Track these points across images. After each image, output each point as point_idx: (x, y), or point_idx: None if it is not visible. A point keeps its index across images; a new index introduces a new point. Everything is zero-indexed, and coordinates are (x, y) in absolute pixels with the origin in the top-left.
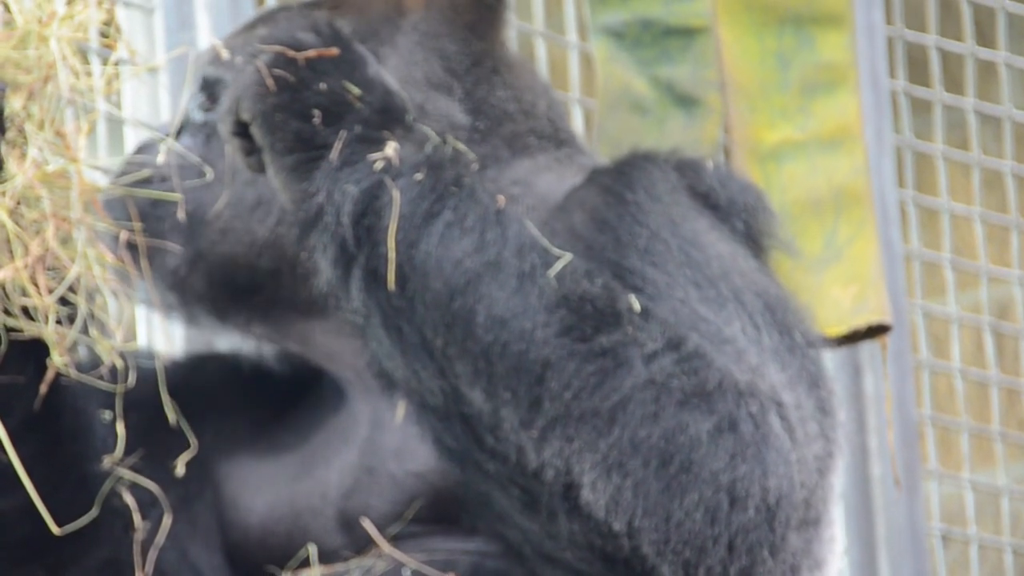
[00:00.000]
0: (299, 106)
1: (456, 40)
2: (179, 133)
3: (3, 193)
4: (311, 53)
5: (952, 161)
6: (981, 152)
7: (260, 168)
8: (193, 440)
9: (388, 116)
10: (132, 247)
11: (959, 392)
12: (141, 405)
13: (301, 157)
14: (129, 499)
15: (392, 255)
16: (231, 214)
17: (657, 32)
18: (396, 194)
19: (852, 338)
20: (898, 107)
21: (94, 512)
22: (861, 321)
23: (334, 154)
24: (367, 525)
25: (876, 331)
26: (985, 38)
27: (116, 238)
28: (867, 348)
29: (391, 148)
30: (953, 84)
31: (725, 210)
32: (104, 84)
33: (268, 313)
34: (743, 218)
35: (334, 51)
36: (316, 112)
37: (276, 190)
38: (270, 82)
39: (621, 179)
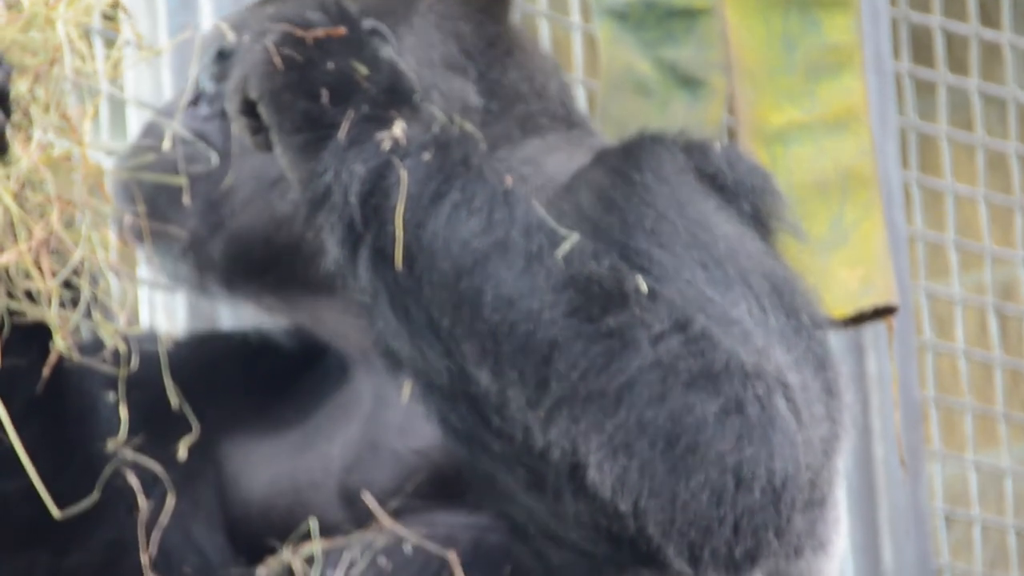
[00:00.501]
0: (306, 86)
1: (471, 21)
2: (195, 103)
3: (8, 176)
4: (319, 32)
5: (956, 142)
6: (985, 133)
7: (267, 146)
8: (195, 424)
9: (396, 96)
10: (150, 217)
11: (963, 373)
12: (144, 384)
13: (308, 137)
14: (133, 480)
15: (400, 235)
16: (252, 188)
17: (660, 13)
18: (404, 174)
19: (859, 320)
20: (902, 88)
21: (95, 496)
22: (868, 303)
23: (341, 134)
24: (368, 500)
25: (883, 313)
26: (989, 19)
27: (121, 220)
28: (870, 329)
29: (399, 128)
30: (957, 65)
31: (732, 192)
32: (110, 68)
33: (280, 287)
34: (750, 200)
35: (342, 30)
36: (324, 92)
37: (284, 168)
38: (277, 61)
39: (629, 160)
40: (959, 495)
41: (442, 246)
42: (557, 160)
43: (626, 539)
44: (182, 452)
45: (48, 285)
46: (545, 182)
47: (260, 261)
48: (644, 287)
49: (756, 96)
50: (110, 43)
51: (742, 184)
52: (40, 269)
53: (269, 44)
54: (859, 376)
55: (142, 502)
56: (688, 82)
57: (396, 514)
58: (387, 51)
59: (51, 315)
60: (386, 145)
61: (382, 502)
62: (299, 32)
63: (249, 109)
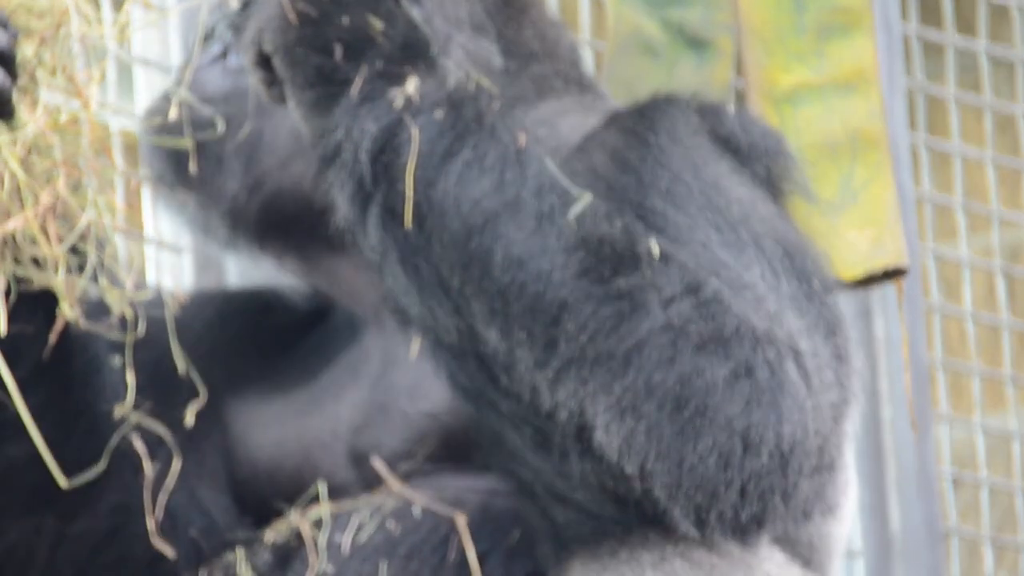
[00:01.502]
0: (320, 41)
1: None
2: (224, 56)
3: (15, 142)
4: None
5: (964, 104)
6: (993, 95)
7: (281, 99)
8: (202, 389)
9: (410, 51)
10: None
11: (970, 336)
12: (151, 344)
13: (321, 92)
14: (139, 445)
15: (410, 193)
16: (294, 145)
17: None
18: (415, 132)
19: (868, 281)
20: (910, 50)
21: (102, 465)
22: (878, 264)
23: (354, 90)
24: (377, 464)
25: (893, 274)
26: None
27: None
28: (878, 292)
29: (412, 85)
30: (965, 27)
31: (746, 154)
32: (117, 30)
33: (304, 246)
34: (764, 163)
35: None
36: (337, 47)
37: (297, 122)
38: (292, 15)
39: (643, 121)
40: (967, 458)
41: (452, 205)
42: (571, 122)
43: (632, 501)
44: (189, 418)
45: (55, 251)
46: (559, 144)
47: (292, 218)
48: (656, 250)
49: (765, 57)
50: (118, 5)
51: (756, 147)
52: (47, 235)
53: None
54: (867, 339)
55: (148, 467)
56: (695, 43)
57: (405, 477)
58: (403, 6)
59: (57, 281)
60: (398, 102)
61: (391, 464)
62: None
63: (264, 62)
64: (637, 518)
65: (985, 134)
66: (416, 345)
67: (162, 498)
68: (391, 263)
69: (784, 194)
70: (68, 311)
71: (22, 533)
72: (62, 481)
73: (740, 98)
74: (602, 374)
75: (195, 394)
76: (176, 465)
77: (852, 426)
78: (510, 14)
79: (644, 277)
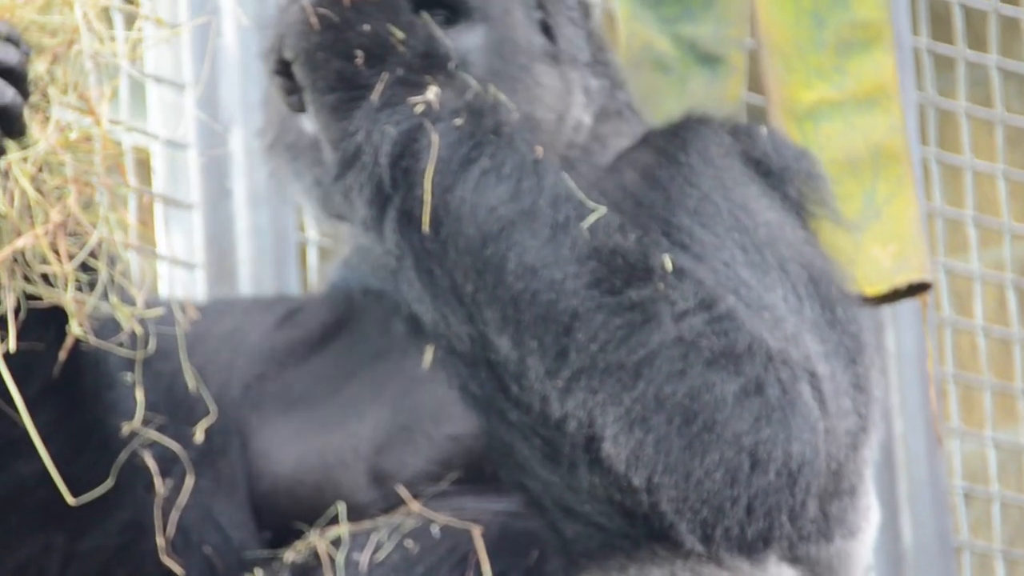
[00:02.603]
0: (342, 46)
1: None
2: None
3: (26, 159)
4: None
5: (975, 118)
6: (1004, 109)
7: (300, 107)
8: (213, 405)
9: (430, 61)
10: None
11: (982, 349)
12: (168, 357)
13: (342, 96)
14: (150, 461)
15: (428, 198)
16: None
17: None
18: (435, 137)
19: (892, 297)
20: (921, 64)
21: (110, 482)
22: (902, 280)
23: (375, 95)
24: (400, 489)
25: (916, 289)
26: None
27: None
28: (890, 305)
29: (432, 92)
30: (976, 41)
31: (778, 177)
32: (129, 48)
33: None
34: (796, 185)
35: None
36: (359, 53)
37: (317, 128)
38: (314, 21)
39: (675, 141)
40: (978, 472)
41: (469, 211)
42: (619, 145)
43: (640, 514)
44: (199, 435)
45: (64, 269)
46: (603, 161)
47: None
48: (669, 264)
49: (786, 74)
50: (130, 22)
51: (788, 169)
52: (56, 252)
53: (306, 3)
54: (879, 353)
55: (159, 484)
56: (707, 59)
57: (425, 498)
58: (423, 17)
59: (67, 299)
60: (419, 108)
61: (412, 486)
62: None
63: (284, 69)
64: (645, 533)
65: (996, 148)
66: (429, 354)
67: (174, 515)
68: (406, 268)
69: (815, 217)
70: (77, 329)
71: (33, 550)
72: (70, 498)
73: (759, 115)
74: (612, 385)
75: (215, 403)
76: (189, 482)
77: (872, 453)
78: (603, 55)
79: (656, 290)
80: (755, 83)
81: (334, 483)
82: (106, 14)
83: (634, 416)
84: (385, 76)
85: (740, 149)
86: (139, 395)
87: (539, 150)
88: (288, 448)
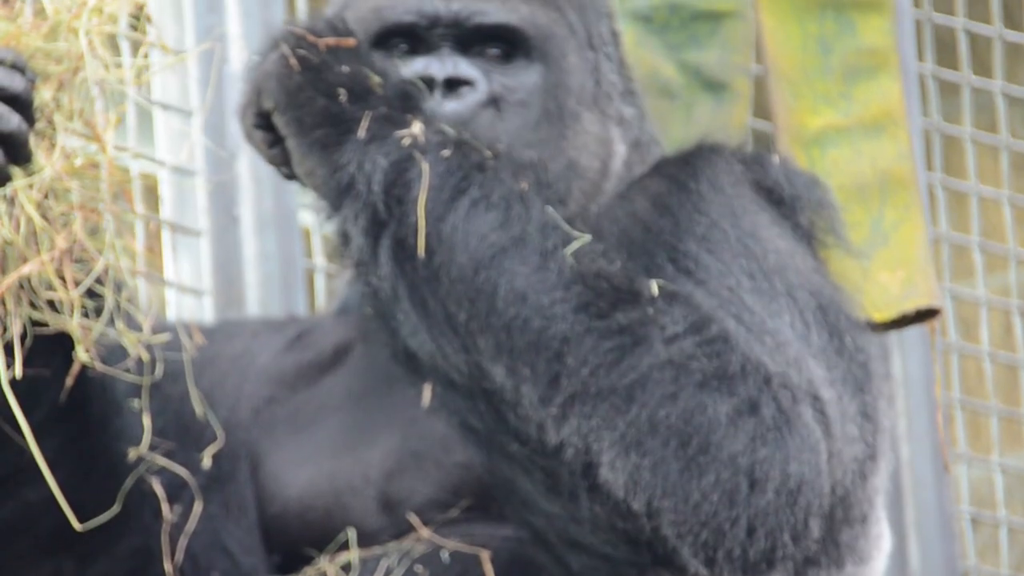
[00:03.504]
0: (324, 85)
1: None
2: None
3: (31, 186)
4: (330, 41)
5: (980, 144)
6: (1009, 135)
7: (283, 161)
8: (220, 432)
9: (409, 102)
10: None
11: (988, 375)
12: (176, 381)
13: (329, 132)
14: (158, 487)
15: (422, 224)
16: None
17: (685, 16)
18: (425, 167)
19: (901, 323)
20: (926, 90)
21: (116, 508)
22: (910, 305)
23: (361, 131)
24: (410, 515)
25: (925, 315)
26: (1013, 21)
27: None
28: (897, 331)
29: (417, 127)
30: (981, 67)
31: (789, 205)
32: (134, 76)
33: None
34: (807, 215)
35: (351, 41)
36: (341, 91)
37: (300, 174)
38: (294, 62)
39: (686, 168)
40: (985, 497)
41: (461, 239)
42: (638, 172)
43: (643, 541)
44: (207, 461)
45: (71, 296)
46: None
47: None
48: (656, 288)
49: (793, 100)
50: (136, 49)
51: (799, 199)
52: (63, 279)
53: (284, 49)
54: (886, 379)
55: (166, 509)
56: (712, 85)
57: (435, 525)
58: (393, 62)
59: (73, 326)
60: (406, 141)
61: (422, 512)
62: (311, 38)
63: (263, 122)
64: (650, 559)
65: (1001, 173)
66: (428, 391)
67: (183, 541)
68: (401, 298)
69: (825, 245)
70: (83, 355)
71: None
72: (76, 525)
73: (764, 141)
74: (605, 409)
75: (224, 427)
76: (197, 507)
77: (883, 482)
78: (631, 85)
79: (644, 313)
80: (760, 109)
81: (344, 508)
82: (112, 41)
83: (629, 440)
84: (368, 113)
85: (751, 177)
86: (146, 421)
87: (524, 183)
88: (298, 472)
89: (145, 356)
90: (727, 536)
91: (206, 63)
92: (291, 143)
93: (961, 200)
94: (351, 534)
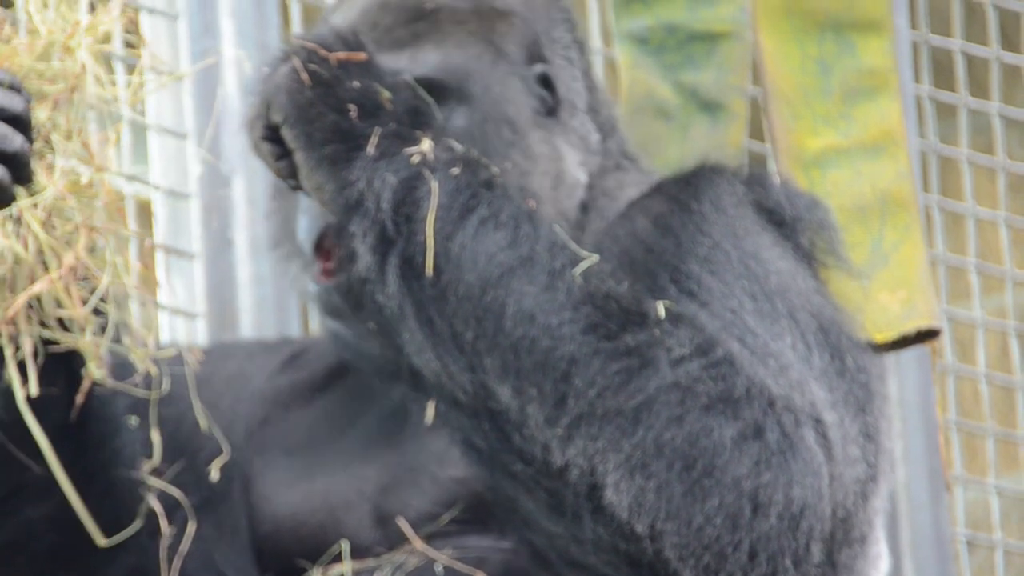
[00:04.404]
0: (334, 100)
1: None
2: None
3: (36, 205)
4: (340, 55)
5: (977, 165)
6: (1006, 156)
7: (290, 174)
8: (226, 445)
9: (419, 118)
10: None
11: (984, 397)
12: (170, 402)
13: (339, 148)
14: (156, 504)
15: (431, 243)
16: None
17: (681, 37)
18: (435, 185)
19: (902, 343)
20: (923, 111)
21: (138, 523)
22: (910, 326)
23: (371, 147)
24: (403, 524)
25: (925, 336)
26: (1010, 42)
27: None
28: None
29: (426, 144)
30: (978, 88)
31: (790, 226)
32: (130, 94)
33: None
34: (808, 236)
35: (363, 55)
36: (351, 107)
37: (309, 188)
38: (305, 76)
39: (688, 189)
40: (981, 520)
41: (469, 258)
42: (628, 195)
43: (645, 563)
44: (215, 474)
45: (80, 313)
46: (612, 212)
47: None
48: (663, 310)
49: (793, 121)
50: (131, 68)
51: (800, 220)
52: (71, 296)
53: (296, 62)
54: (886, 401)
55: (165, 526)
56: (709, 106)
57: (429, 537)
58: (405, 77)
59: (85, 342)
60: (415, 159)
61: (417, 527)
62: (323, 52)
63: (272, 135)
64: None
65: (998, 195)
66: (431, 409)
67: (176, 562)
68: (407, 316)
69: (826, 267)
70: (96, 372)
71: None
72: (100, 540)
73: (761, 162)
74: (611, 431)
75: (217, 451)
76: (191, 527)
77: (882, 502)
78: (596, 95)
79: (652, 335)
80: (756, 130)
81: (338, 524)
82: (107, 62)
83: (635, 463)
84: (378, 130)
85: (753, 198)
86: (155, 436)
87: (531, 203)
88: (291, 491)
89: (154, 370)
90: (729, 560)
91: (201, 86)
92: (299, 157)
93: (957, 221)
94: (344, 546)
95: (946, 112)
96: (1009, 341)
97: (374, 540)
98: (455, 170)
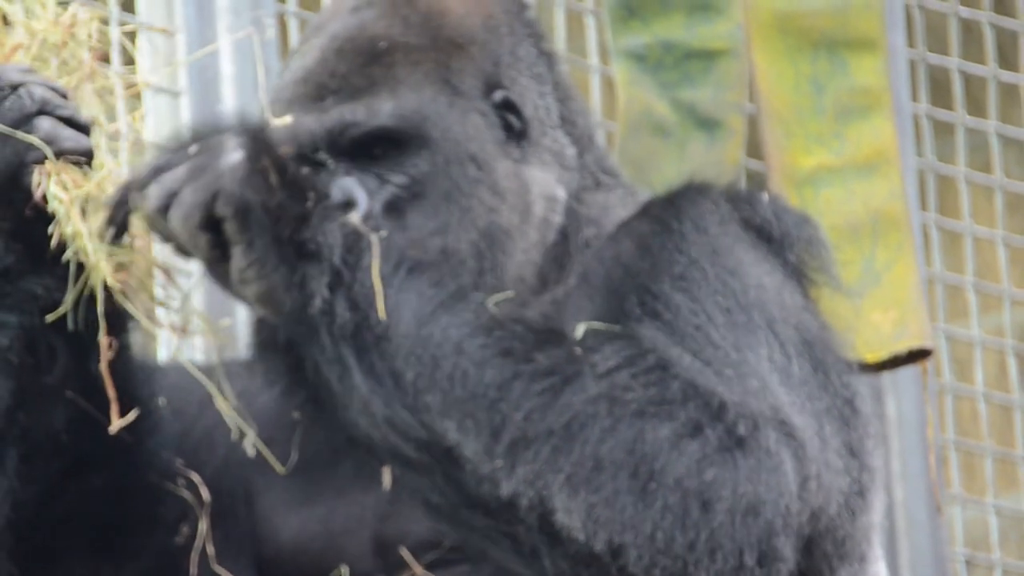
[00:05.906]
0: (287, 207)
1: (550, 64)
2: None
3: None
4: (287, 149)
5: (974, 184)
6: (1004, 175)
7: (224, 258)
8: (278, 467)
9: (345, 206)
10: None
11: (983, 416)
12: (178, 415)
13: (282, 230)
14: (185, 493)
15: (378, 287)
16: None
17: (679, 55)
18: (375, 238)
19: (893, 363)
20: (920, 130)
21: (207, 496)
22: (902, 346)
23: (315, 219)
24: (403, 552)
25: (917, 356)
26: (1007, 61)
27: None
28: (890, 372)
29: (355, 217)
30: (975, 107)
31: (779, 243)
32: (128, 112)
33: None
34: (796, 252)
35: (289, 149)
36: (302, 200)
37: (245, 283)
38: (258, 168)
39: (671, 209)
40: (980, 539)
41: (404, 299)
42: (616, 217)
43: None
44: (250, 450)
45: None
46: (603, 233)
47: None
48: (581, 331)
49: (785, 140)
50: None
51: (789, 236)
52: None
53: (246, 153)
54: (878, 419)
55: (205, 495)
56: (706, 123)
57: (429, 565)
58: (324, 176)
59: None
60: (352, 223)
61: (416, 554)
62: (268, 143)
63: (211, 224)
64: None
65: (996, 213)
66: (388, 475)
67: (195, 556)
68: (350, 369)
69: (815, 284)
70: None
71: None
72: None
73: (758, 179)
74: (547, 452)
75: (221, 465)
76: (203, 526)
77: (878, 519)
78: (571, 106)
79: (570, 353)
80: (753, 148)
81: (338, 550)
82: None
83: (578, 479)
84: (317, 208)
85: (740, 215)
86: (223, 406)
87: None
88: (293, 514)
89: (219, 338)
90: (688, 562)
91: (200, 104)
92: (241, 250)
93: (955, 240)
94: (344, 571)
95: (943, 130)
96: (1007, 360)
97: (375, 567)
98: (383, 233)
